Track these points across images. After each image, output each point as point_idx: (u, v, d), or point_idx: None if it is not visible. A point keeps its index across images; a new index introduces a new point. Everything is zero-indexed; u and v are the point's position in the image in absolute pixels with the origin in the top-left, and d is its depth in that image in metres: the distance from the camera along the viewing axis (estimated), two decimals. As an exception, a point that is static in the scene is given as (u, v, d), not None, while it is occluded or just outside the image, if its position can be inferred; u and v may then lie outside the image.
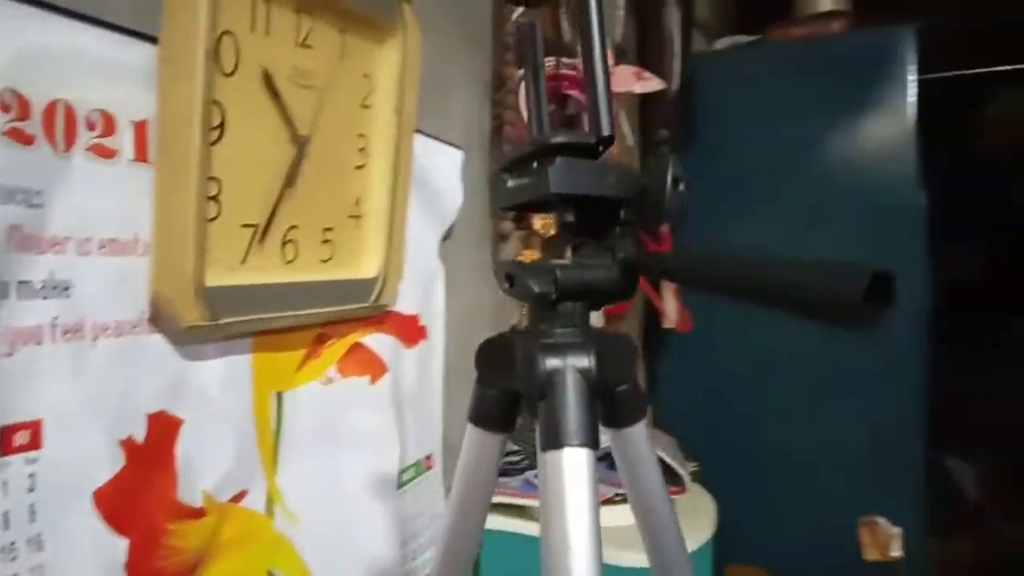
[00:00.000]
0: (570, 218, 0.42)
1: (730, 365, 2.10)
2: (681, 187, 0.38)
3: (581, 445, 0.38)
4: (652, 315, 2.05)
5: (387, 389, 0.92)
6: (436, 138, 1.05)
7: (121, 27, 0.58)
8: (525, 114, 1.17)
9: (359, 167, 0.85)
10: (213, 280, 0.63)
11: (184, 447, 0.65)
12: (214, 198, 0.64)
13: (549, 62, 1.14)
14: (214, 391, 0.68)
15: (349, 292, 0.83)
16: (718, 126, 2.11)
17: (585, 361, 0.40)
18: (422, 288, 1.02)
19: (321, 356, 0.82)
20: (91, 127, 0.57)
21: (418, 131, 0.92)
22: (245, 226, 0.69)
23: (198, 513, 0.66)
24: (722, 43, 2.31)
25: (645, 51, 1.92)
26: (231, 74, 0.65)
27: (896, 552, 1.84)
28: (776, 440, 2.04)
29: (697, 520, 1.21)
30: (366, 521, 0.87)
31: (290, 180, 0.74)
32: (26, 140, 0.52)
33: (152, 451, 0.62)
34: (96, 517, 0.57)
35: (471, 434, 0.50)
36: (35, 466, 0.53)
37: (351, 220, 0.84)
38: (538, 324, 0.43)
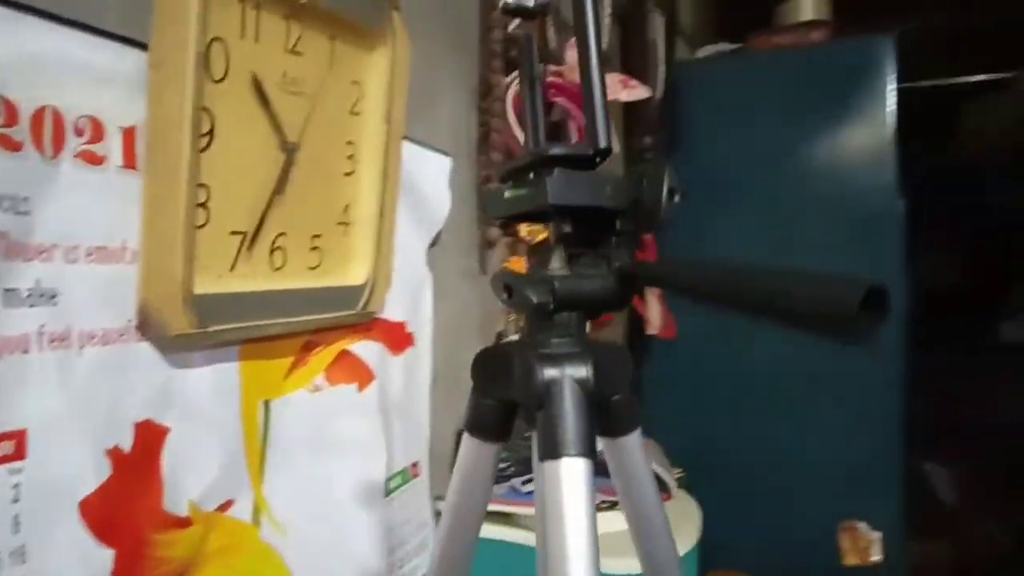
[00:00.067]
0: (567, 229, 0.42)
1: (713, 372, 2.11)
2: (677, 198, 0.39)
3: (579, 455, 0.38)
4: (636, 322, 2.06)
5: (374, 396, 0.92)
6: (424, 145, 1.05)
7: (110, 33, 0.58)
8: (512, 122, 1.18)
9: (348, 174, 0.84)
10: (201, 288, 0.63)
11: (170, 456, 0.64)
12: (203, 205, 0.64)
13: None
14: (201, 399, 0.68)
15: (337, 299, 0.83)
16: (700, 133, 2.13)
17: (583, 371, 0.40)
18: (409, 295, 1.02)
19: (309, 364, 0.82)
20: (79, 133, 0.56)
21: (406, 138, 0.92)
22: (234, 233, 0.69)
23: (184, 523, 0.66)
24: (705, 51, 2.33)
25: (629, 58, 1.93)
26: (221, 80, 0.65)
27: (876, 557, 1.87)
28: (758, 446, 2.06)
29: (682, 527, 1.21)
30: (353, 529, 0.87)
31: (279, 187, 0.73)
32: (14, 147, 0.51)
33: (139, 460, 0.61)
34: (81, 527, 0.56)
35: (467, 443, 0.50)
36: (19, 476, 0.52)
37: (339, 227, 0.84)
38: (535, 334, 0.43)
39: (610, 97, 1.30)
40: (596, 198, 0.41)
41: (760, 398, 2.05)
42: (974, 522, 2.77)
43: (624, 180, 0.41)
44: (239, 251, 0.69)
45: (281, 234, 0.75)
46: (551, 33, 1.36)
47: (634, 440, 0.48)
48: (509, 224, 1.23)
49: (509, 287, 0.42)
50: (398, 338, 0.99)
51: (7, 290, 0.51)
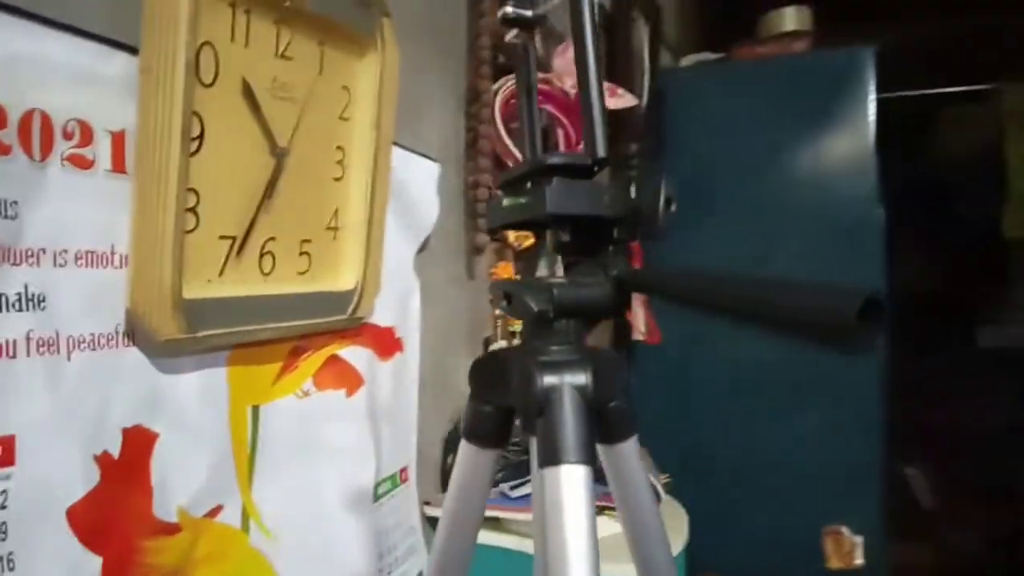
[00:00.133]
0: (565, 237, 0.43)
1: (697, 377, 2.13)
2: (673, 207, 0.39)
3: (579, 462, 0.38)
4: (621, 327, 2.07)
5: (363, 402, 0.91)
6: (412, 150, 1.05)
7: (99, 36, 0.58)
8: (500, 128, 1.18)
9: (337, 179, 0.84)
10: (190, 292, 0.62)
11: (159, 462, 0.64)
12: (192, 210, 0.64)
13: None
14: (190, 405, 0.67)
15: (326, 304, 0.83)
16: (684, 141, 2.14)
17: (582, 378, 0.40)
18: (398, 300, 1.02)
19: (297, 369, 0.82)
20: (68, 137, 0.56)
21: (394, 143, 0.92)
22: (223, 238, 0.68)
23: (173, 529, 0.65)
24: (689, 60, 2.35)
25: (614, 67, 1.94)
26: (211, 85, 0.65)
27: (859, 560, 1.89)
28: (743, 451, 2.07)
29: (669, 532, 1.21)
30: (342, 535, 0.87)
31: (268, 192, 0.73)
32: (2, 150, 0.51)
33: (127, 466, 0.61)
34: (70, 534, 0.55)
35: (464, 450, 0.50)
36: (8, 483, 0.51)
37: (328, 232, 0.84)
38: (533, 341, 0.44)
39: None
40: (594, 207, 0.41)
41: (744, 403, 2.07)
42: (953, 525, 2.81)
43: (622, 189, 0.41)
44: (228, 256, 0.69)
45: (270, 239, 0.74)
46: (537, 40, 1.37)
47: (630, 446, 0.48)
48: (497, 230, 1.23)
49: (508, 295, 0.43)
50: (386, 343, 0.99)
51: (-5, 295, 0.50)
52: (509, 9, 0.43)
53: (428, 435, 1.12)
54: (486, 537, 1.09)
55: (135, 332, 0.61)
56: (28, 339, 0.53)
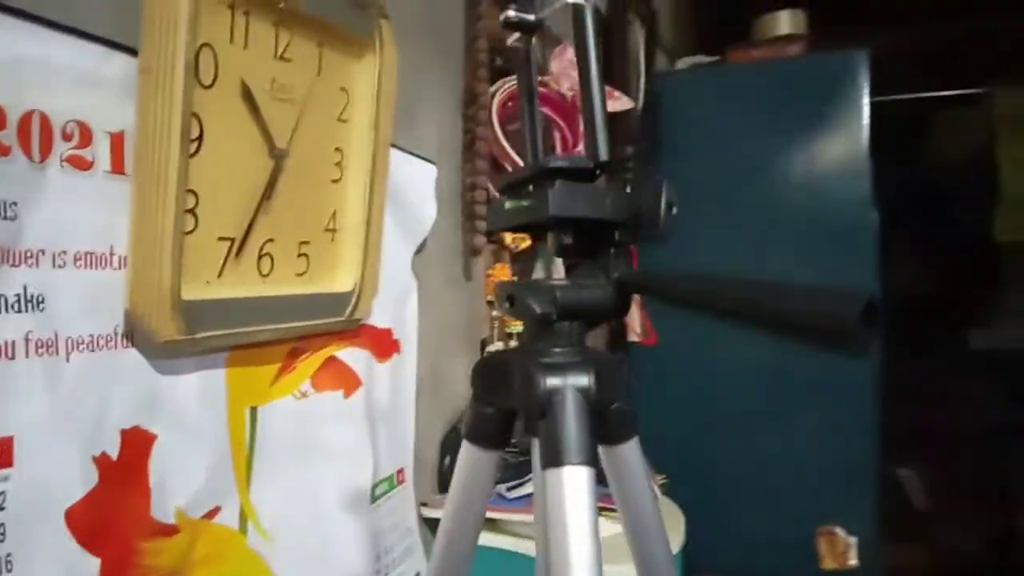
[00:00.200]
0: (568, 240, 0.43)
1: (694, 379, 2.13)
2: (674, 210, 0.40)
3: (582, 463, 0.39)
4: (616, 329, 2.08)
5: (360, 403, 0.91)
6: (409, 152, 1.05)
7: (99, 37, 0.58)
8: (497, 130, 1.18)
9: (335, 181, 0.84)
10: (189, 294, 0.62)
11: (157, 463, 0.63)
12: (191, 211, 0.64)
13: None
14: (188, 406, 0.67)
15: (324, 306, 0.83)
16: (679, 144, 2.15)
17: (585, 380, 0.41)
18: (395, 302, 1.02)
19: (295, 370, 0.82)
20: (67, 138, 0.56)
21: (392, 145, 0.93)
22: (222, 239, 0.68)
23: (171, 530, 0.65)
24: (684, 63, 2.36)
25: (610, 70, 1.95)
26: (210, 86, 0.65)
27: (853, 561, 1.89)
28: (738, 452, 2.08)
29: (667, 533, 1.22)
30: (339, 536, 0.87)
31: (267, 193, 0.73)
32: (2, 151, 0.51)
33: (126, 468, 0.60)
34: (68, 536, 0.55)
35: (466, 451, 0.50)
36: (6, 484, 0.51)
37: (327, 234, 0.84)
38: (535, 343, 0.44)
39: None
40: (597, 210, 0.42)
41: (740, 405, 2.08)
42: (946, 526, 2.82)
43: (624, 193, 0.42)
44: (227, 257, 0.69)
45: (269, 240, 0.74)
46: (535, 42, 1.37)
47: (632, 448, 0.49)
48: (494, 232, 1.23)
49: (511, 297, 0.43)
50: (384, 345, 0.99)
51: (-6, 296, 0.50)
52: (512, 13, 0.44)
53: (425, 436, 1.12)
54: (482, 538, 1.09)
55: (134, 333, 0.61)
56: (27, 340, 0.53)
